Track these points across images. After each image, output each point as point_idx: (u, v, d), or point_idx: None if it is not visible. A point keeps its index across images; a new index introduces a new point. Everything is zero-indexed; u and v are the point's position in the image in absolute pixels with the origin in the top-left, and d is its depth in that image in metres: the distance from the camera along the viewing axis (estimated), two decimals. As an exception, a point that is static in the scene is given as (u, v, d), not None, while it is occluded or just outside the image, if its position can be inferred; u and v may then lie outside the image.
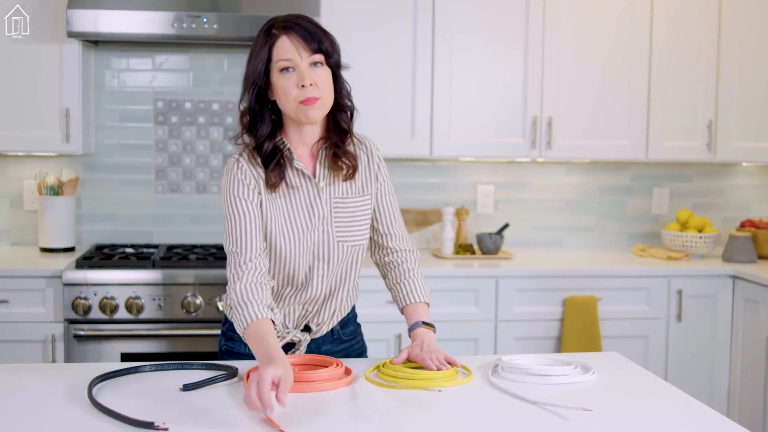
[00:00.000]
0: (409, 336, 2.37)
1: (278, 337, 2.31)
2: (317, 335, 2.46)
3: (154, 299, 3.72)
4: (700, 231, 4.51)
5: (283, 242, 2.30)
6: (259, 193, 2.29)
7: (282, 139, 2.31)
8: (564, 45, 4.29)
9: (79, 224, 4.42)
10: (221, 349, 2.54)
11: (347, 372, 2.18)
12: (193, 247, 4.29)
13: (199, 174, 4.47)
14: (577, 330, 4.00)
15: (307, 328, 2.44)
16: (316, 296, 2.39)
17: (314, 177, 2.33)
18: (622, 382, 2.21)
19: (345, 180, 2.35)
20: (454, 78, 4.24)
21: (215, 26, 3.84)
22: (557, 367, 2.20)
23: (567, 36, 4.29)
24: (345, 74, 2.34)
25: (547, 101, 4.30)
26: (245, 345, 2.32)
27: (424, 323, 2.38)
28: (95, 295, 3.70)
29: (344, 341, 2.55)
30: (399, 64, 4.20)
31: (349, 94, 2.35)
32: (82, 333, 3.68)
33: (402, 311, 2.45)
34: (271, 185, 2.28)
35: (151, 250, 4.18)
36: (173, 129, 4.45)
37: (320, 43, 2.22)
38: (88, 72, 4.23)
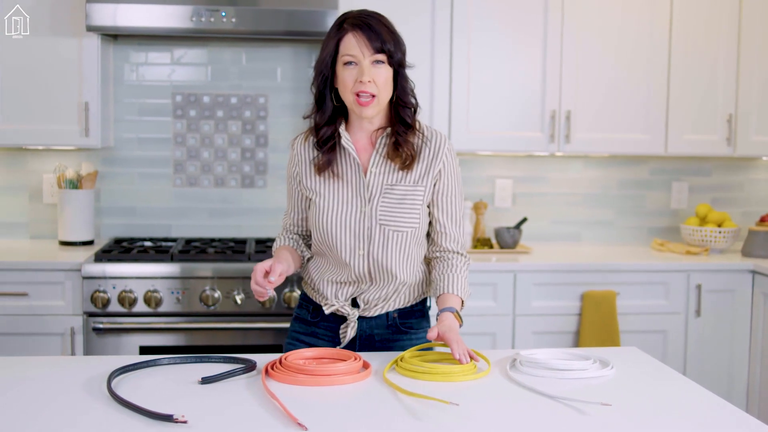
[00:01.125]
0: (437, 318, 2.40)
1: (328, 305, 2.54)
2: (366, 314, 2.53)
3: (172, 292, 3.73)
4: (719, 226, 4.48)
5: (326, 218, 2.47)
6: (297, 173, 2.54)
7: (342, 125, 2.49)
8: (583, 38, 4.27)
9: (98, 218, 4.43)
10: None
11: (365, 366, 2.19)
12: (211, 241, 4.30)
13: (218, 168, 4.47)
14: (595, 325, 3.99)
15: (354, 304, 2.54)
16: (360, 275, 2.48)
17: (367, 163, 2.47)
18: (641, 376, 2.20)
19: (402, 169, 2.46)
20: (472, 72, 4.23)
21: (234, 20, 3.84)
22: (575, 362, 2.20)
23: (586, 29, 4.27)
24: None
25: (566, 95, 4.28)
26: (310, 312, 2.61)
27: (456, 313, 2.41)
28: (114, 288, 3.71)
29: (402, 332, 2.58)
30: (418, 57, 4.18)
31: (412, 91, 2.50)
32: (101, 326, 3.69)
33: (437, 299, 2.49)
34: (319, 168, 2.48)
35: (170, 244, 4.20)
36: (192, 123, 4.45)
37: (384, 43, 2.37)
38: (107, 66, 4.24)
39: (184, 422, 1.77)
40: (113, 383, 2.03)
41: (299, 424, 1.76)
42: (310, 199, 2.52)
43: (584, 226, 4.77)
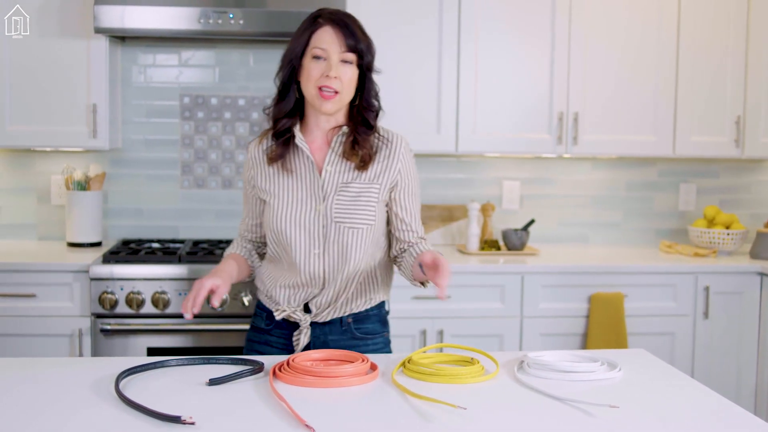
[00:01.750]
0: (419, 265, 2.38)
1: (280, 310, 2.52)
2: (319, 319, 2.51)
3: (180, 294, 3.73)
4: (727, 227, 4.47)
5: (281, 217, 2.47)
6: (252, 177, 2.55)
7: (297, 124, 2.49)
8: (590, 40, 4.27)
9: (105, 219, 4.44)
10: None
11: (373, 368, 2.18)
12: (218, 242, 4.30)
13: (225, 169, 4.48)
14: (603, 327, 3.99)
15: (307, 309, 2.52)
16: (314, 275, 2.46)
17: (322, 161, 2.47)
18: (649, 379, 2.20)
19: (358, 168, 2.45)
20: (479, 73, 4.23)
21: (241, 22, 3.84)
22: (583, 364, 2.19)
23: (593, 31, 4.27)
24: (378, 63, 2.48)
25: (573, 97, 4.28)
26: (265, 319, 2.60)
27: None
28: (122, 289, 3.72)
29: (357, 338, 2.55)
30: (425, 60, 4.19)
31: (377, 94, 2.50)
32: (108, 327, 3.70)
33: (412, 271, 2.47)
34: (270, 158, 2.49)
35: (177, 245, 4.20)
36: (199, 124, 4.46)
37: (357, 42, 2.38)
38: (115, 68, 4.25)
39: (192, 423, 1.77)
40: (121, 384, 2.03)
41: (307, 425, 1.76)
42: (265, 202, 2.53)
43: (592, 227, 4.76)
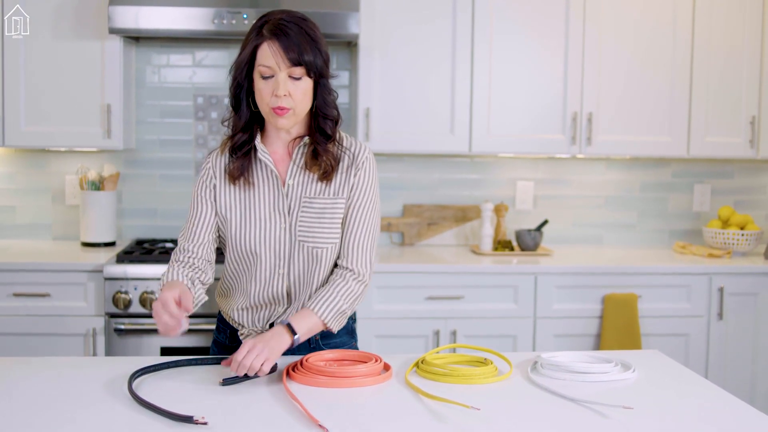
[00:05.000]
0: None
1: (245, 332, 2.41)
2: None
3: (193, 294, 3.74)
4: (742, 228, 4.45)
5: (242, 229, 2.35)
6: (214, 186, 2.38)
7: (257, 131, 2.37)
8: (604, 41, 4.26)
9: (119, 219, 4.45)
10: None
11: (386, 368, 2.18)
12: (232, 243, 4.30)
13: (239, 169, 4.48)
14: (616, 328, 3.98)
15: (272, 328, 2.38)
16: (278, 295, 2.38)
17: (284, 174, 2.35)
18: (663, 380, 2.19)
19: (321, 180, 2.34)
20: (493, 74, 4.22)
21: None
22: (597, 365, 2.19)
23: (607, 32, 4.26)
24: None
25: (587, 97, 4.27)
26: (228, 336, 2.49)
27: (289, 326, 2.21)
28: (135, 289, 3.73)
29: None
30: (439, 60, 4.19)
31: (334, 102, 2.35)
32: (122, 327, 3.71)
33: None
34: (232, 176, 2.35)
35: (191, 245, 4.20)
36: (213, 125, 4.47)
37: (302, 54, 2.22)
38: (129, 68, 4.26)
39: (205, 423, 1.77)
40: (134, 384, 2.03)
41: (320, 425, 1.76)
42: (225, 218, 2.37)
43: (606, 228, 4.75)
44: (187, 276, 2.29)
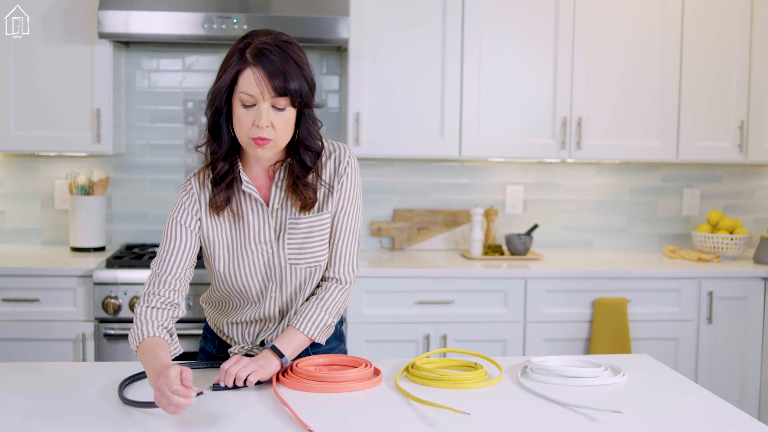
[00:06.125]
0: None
1: (234, 352, 2.36)
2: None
3: (186, 299, 3.72)
4: (731, 232, 4.47)
5: (230, 264, 2.27)
6: (200, 219, 2.27)
7: (237, 160, 2.25)
8: (594, 45, 4.27)
9: (109, 224, 4.44)
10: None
11: (376, 372, 2.18)
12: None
13: (229, 174, 4.47)
14: (606, 332, 3.98)
15: (263, 344, 2.38)
16: (269, 314, 2.34)
17: (267, 199, 2.27)
18: (653, 384, 2.20)
19: (302, 210, 2.25)
20: (483, 78, 4.23)
21: (245, 27, 3.85)
22: (587, 369, 2.19)
23: (597, 36, 4.27)
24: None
25: (577, 101, 4.27)
26: (216, 347, 2.46)
27: (273, 349, 2.18)
28: (125, 294, 3.72)
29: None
30: (429, 63, 4.19)
31: (317, 133, 2.25)
32: (112, 332, 3.70)
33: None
34: (216, 207, 2.24)
35: (181, 250, 4.19)
36: (203, 129, 4.44)
37: (287, 82, 2.10)
38: (118, 73, 4.25)
39: (200, 393, 1.84)
40: (125, 390, 2.03)
41: (310, 430, 1.76)
42: (211, 253, 2.29)
43: (596, 232, 4.76)
44: (164, 326, 2.17)
